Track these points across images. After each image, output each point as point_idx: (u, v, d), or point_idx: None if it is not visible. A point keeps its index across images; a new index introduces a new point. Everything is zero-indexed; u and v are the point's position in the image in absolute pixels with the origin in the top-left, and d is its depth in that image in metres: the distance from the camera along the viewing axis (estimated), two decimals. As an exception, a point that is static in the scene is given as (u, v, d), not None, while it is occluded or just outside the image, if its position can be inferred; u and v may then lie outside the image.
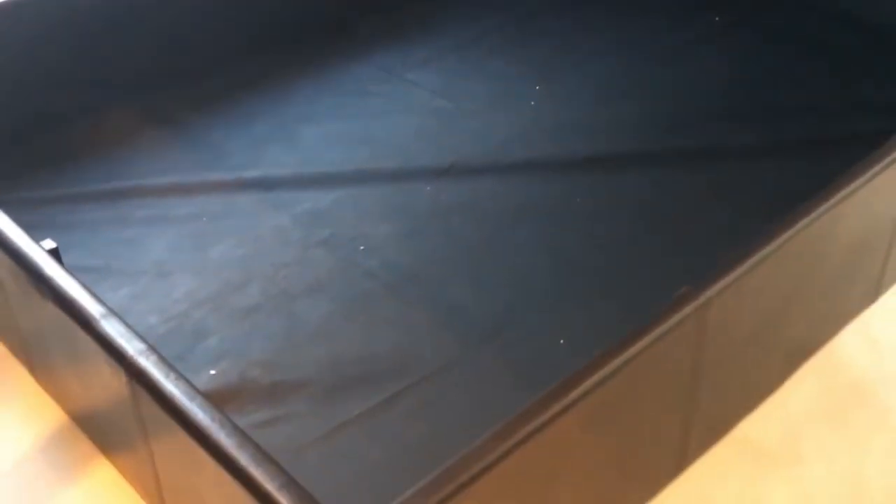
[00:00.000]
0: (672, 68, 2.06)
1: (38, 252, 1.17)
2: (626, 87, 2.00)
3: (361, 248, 1.57)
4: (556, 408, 0.94)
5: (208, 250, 1.59)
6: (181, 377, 0.97)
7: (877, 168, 1.29)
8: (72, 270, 1.15)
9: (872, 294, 1.49)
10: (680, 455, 1.23)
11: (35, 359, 1.36)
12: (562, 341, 1.36)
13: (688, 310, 1.05)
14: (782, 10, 2.24)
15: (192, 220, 1.67)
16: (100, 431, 1.26)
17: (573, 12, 2.30)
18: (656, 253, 1.54)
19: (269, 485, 0.85)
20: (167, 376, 0.98)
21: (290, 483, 0.85)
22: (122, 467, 1.24)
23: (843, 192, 1.23)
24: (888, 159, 1.30)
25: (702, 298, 1.07)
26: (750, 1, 2.28)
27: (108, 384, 1.07)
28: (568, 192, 1.70)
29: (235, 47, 2.09)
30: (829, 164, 1.42)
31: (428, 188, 1.72)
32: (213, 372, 1.34)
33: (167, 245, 1.61)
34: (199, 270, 1.55)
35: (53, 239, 1.24)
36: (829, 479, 1.22)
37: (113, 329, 1.04)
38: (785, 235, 1.16)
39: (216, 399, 1.20)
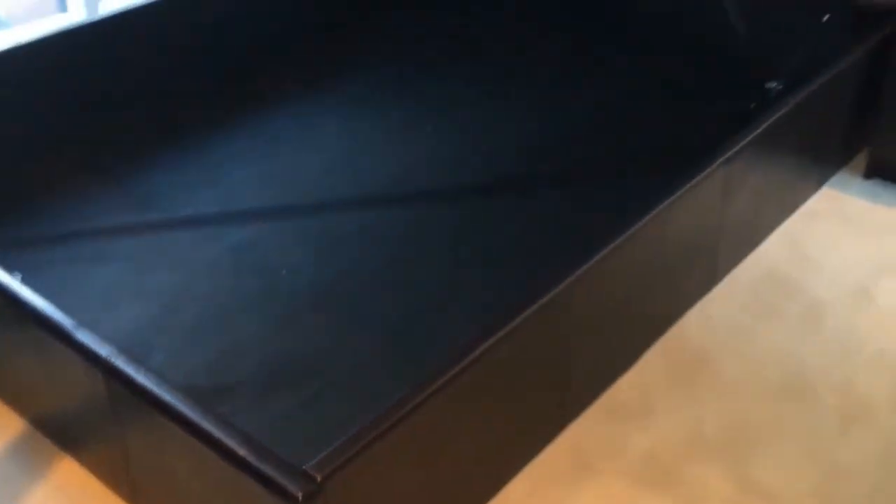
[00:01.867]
0: (540, 105, 2.37)
1: (9, 279, 1.39)
2: (502, 123, 2.30)
3: (284, 272, 1.82)
4: (447, 377, 1.21)
5: (148, 282, 1.81)
6: (150, 370, 1.21)
7: (700, 177, 1.63)
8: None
9: (709, 282, 1.82)
10: (559, 418, 1.52)
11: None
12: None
13: (557, 291, 1.35)
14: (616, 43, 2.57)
15: (130, 257, 1.88)
16: (65, 432, 1.47)
17: (462, 62, 2.60)
18: (519, 263, 1.82)
19: (232, 442, 1.10)
20: (138, 371, 1.21)
21: (249, 439, 1.10)
22: (90, 462, 1.45)
23: (671, 199, 1.56)
24: (708, 170, 1.64)
25: (564, 285, 1.37)
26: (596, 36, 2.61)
27: (83, 385, 1.30)
28: (455, 217, 1.98)
29: (161, 100, 2.32)
30: (663, 176, 1.73)
31: (338, 217, 1.98)
32: (162, 381, 1.57)
33: (110, 280, 1.81)
34: (141, 299, 1.77)
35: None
36: (675, 426, 1.53)
37: (86, 337, 1.27)
38: (628, 233, 1.47)
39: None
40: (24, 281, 1.53)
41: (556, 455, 1.49)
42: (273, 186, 2.09)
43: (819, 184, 2.14)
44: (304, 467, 1.08)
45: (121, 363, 1.23)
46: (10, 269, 1.52)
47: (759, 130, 1.78)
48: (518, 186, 2.06)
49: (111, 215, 2.00)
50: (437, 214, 1.99)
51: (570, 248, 1.53)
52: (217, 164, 2.16)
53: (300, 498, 1.04)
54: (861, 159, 2.20)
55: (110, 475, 1.41)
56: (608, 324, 1.56)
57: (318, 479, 1.07)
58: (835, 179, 2.17)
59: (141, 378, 1.20)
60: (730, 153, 1.71)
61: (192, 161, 2.17)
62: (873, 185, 2.14)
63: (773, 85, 1.91)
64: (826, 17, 2.00)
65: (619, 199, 1.93)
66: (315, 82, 2.50)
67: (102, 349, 1.25)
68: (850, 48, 2.01)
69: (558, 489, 1.43)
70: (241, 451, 1.09)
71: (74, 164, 2.14)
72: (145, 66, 2.31)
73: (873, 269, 1.88)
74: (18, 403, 1.56)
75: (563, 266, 1.41)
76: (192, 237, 1.95)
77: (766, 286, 1.84)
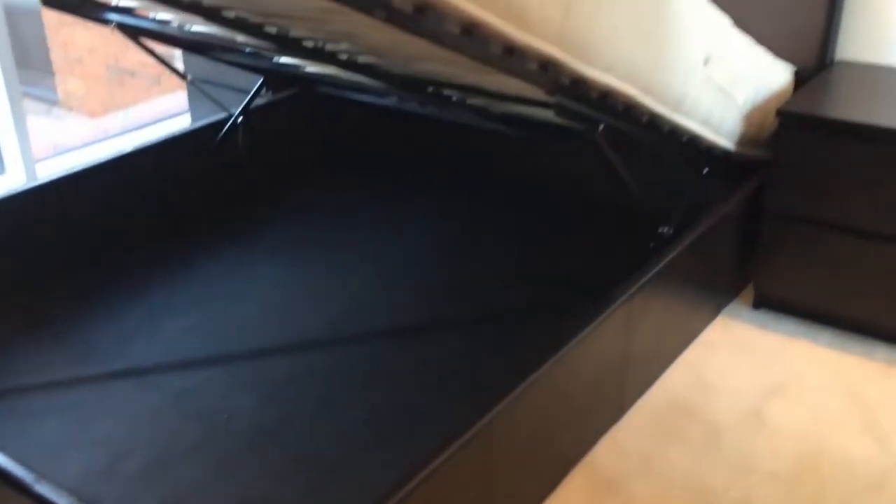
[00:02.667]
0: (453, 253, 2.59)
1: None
2: (421, 268, 2.49)
3: (226, 416, 1.93)
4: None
5: (92, 432, 1.89)
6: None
7: (603, 316, 1.82)
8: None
9: (618, 412, 2.00)
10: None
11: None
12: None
13: (479, 426, 1.49)
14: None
15: (72, 409, 1.97)
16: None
17: (381, 214, 2.82)
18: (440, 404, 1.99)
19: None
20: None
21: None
22: None
23: (579, 336, 1.74)
24: (611, 308, 1.84)
25: (487, 418, 1.52)
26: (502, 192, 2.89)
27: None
28: (383, 358, 2.12)
29: (99, 250, 2.45)
30: (570, 316, 1.93)
31: (275, 362, 2.11)
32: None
33: (54, 433, 1.89)
34: (86, 450, 1.85)
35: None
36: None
37: (46, 489, 1.36)
38: (540, 370, 1.64)
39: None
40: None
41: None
42: (210, 334, 2.21)
43: (714, 314, 2.37)
44: None
45: (80, 515, 1.32)
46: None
47: (656, 269, 1.99)
48: (440, 328, 2.23)
49: (51, 370, 2.09)
50: (368, 356, 2.14)
51: (486, 389, 1.69)
52: (154, 314, 2.28)
53: None
54: (749, 291, 2.45)
55: None
56: (526, 458, 1.70)
57: None
58: (728, 309, 2.41)
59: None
60: (631, 290, 1.91)
61: (129, 312, 2.28)
62: (761, 315, 2.38)
63: (665, 230, 2.15)
64: (706, 170, 2.27)
65: (531, 340, 2.13)
66: (246, 233, 2.67)
67: (66, 500, 1.34)
68: (730, 195, 2.28)
69: None
70: None
71: (12, 321, 2.23)
72: (83, 223, 2.45)
73: (764, 393, 2.09)
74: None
75: (481, 405, 1.56)
76: (133, 387, 2.04)
77: (670, 412, 2.02)
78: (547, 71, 1.63)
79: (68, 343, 2.20)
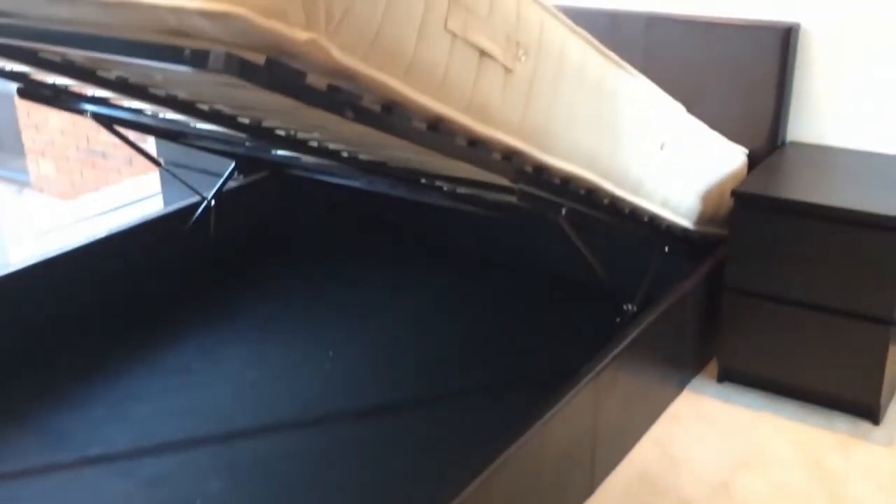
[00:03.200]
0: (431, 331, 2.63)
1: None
2: (395, 347, 2.53)
3: (198, 502, 1.93)
4: None
5: (63, 520, 1.89)
6: None
7: (572, 393, 1.86)
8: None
9: (588, 489, 2.02)
10: None
11: None
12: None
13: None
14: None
15: (43, 497, 1.96)
16: None
17: (351, 293, 2.86)
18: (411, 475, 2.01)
19: None
20: None
21: None
22: None
23: (545, 417, 1.78)
24: (577, 388, 1.88)
25: (457, 501, 1.54)
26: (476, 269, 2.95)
27: None
28: (358, 439, 2.15)
29: (69, 334, 2.45)
30: (539, 394, 1.97)
31: (250, 444, 2.12)
32: None
33: (24, 520, 1.89)
34: (57, 538, 1.84)
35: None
36: None
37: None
38: (509, 450, 1.68)
39: None
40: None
41: None
42: (182, 418, 2.22)
43: (679, 388, 2.42)
44: None
45: None
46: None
47: (622, 345, 2.05)
48: (408, 408, 2.27)
49: (21, 457, 2.08)
50: (337, 437, 2.15)
51: (455, 469, 1.72)
52: (125, 398, 2.29)
53: None
54: (713, 365, 2.50)
55: None
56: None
57: None
58: (693, 384, 2.46)
59: None
60: (599, 367, 1.96)
61: (101, 397, 2.29)
62: (725, 388, 2.43)
63: (629, 307, 2.21)
64: (667, 249, 2.34)
65: (499, 418, 2.16)
66: (216, 315, 2.70)
67: None
68: (691, 272, 2.36)
69: None
70: None
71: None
72: (52, 309, 2.46)
73: (730, 466, 2.13)
74: None
75: (451, 488, 1.58)
76: (105, 473, 2.04)
77: (638, 488, 2.05)
78: (510, 160, 1.71)
79: (39, 429, 2.19)
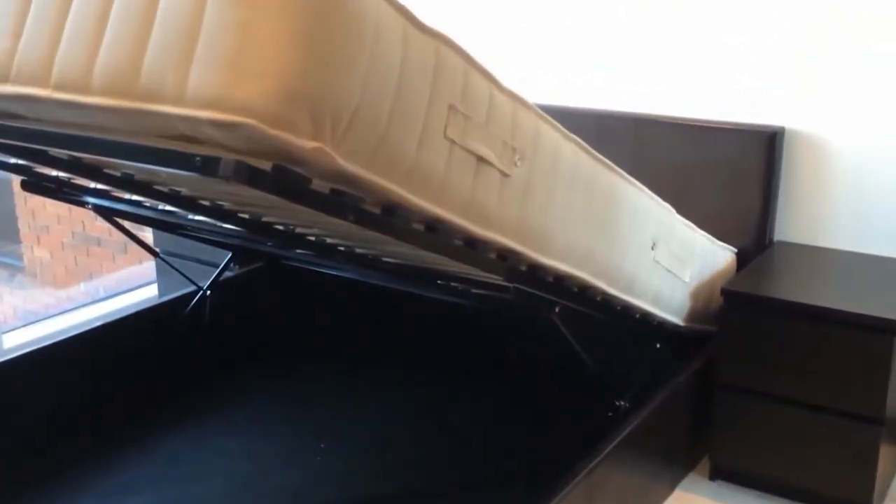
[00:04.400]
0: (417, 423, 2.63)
1: None
2: (383, 440, 2.52)
3: None
4: None
5: None
6: None
7: (565, 491, 1.86)
8: None
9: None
10: None
11: None
12: None
13: None
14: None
15: None
16: None
17: (344, 385, 2.86)
18: None
19: None
20: None
21: None
22: None
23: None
24: (570, 486, 1.88)
25: None
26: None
27: None
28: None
29: (59, 426, 2.44)
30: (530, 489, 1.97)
31: (239, 542, 2.10)
32: None
33: None
34: None
35: None
36: None
37: None
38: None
39: None
40: None
41: None
42: (173, 513, 2.20)
43: (671, 488, 2.41)
44: None
45: None
46: None
47: (615, 442, 2.05)
48: (404, 501, 2.25)
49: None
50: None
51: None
52: (117, 489, 2.27)
53: None
54: (706, 463, 2.50)
55: None
56: None
57: None
58: (685, 483, 2.45)
59: None
60: (593, 464, 1.96)
61: (91, 487, 2.27)
62: (718, 487, 2.43)
63: (621, 403, 2.22)
64: (658, 345, 2.37)
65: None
66: (210, 407, 2.69)
67: None
68: (683, 367, 2.38)
69: None
70: None
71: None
72: (42, 400, 2.45)
73: (725, 567, 2.11)
74: None
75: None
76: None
77: (633, 589, 2.03)
78: (506, 260, 1.74)
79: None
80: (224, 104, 1.18)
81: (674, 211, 2.25)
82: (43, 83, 1.40)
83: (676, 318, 2.35)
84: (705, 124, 2.68)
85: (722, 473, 2.44)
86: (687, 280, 2.31)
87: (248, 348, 3.01)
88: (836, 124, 2.57)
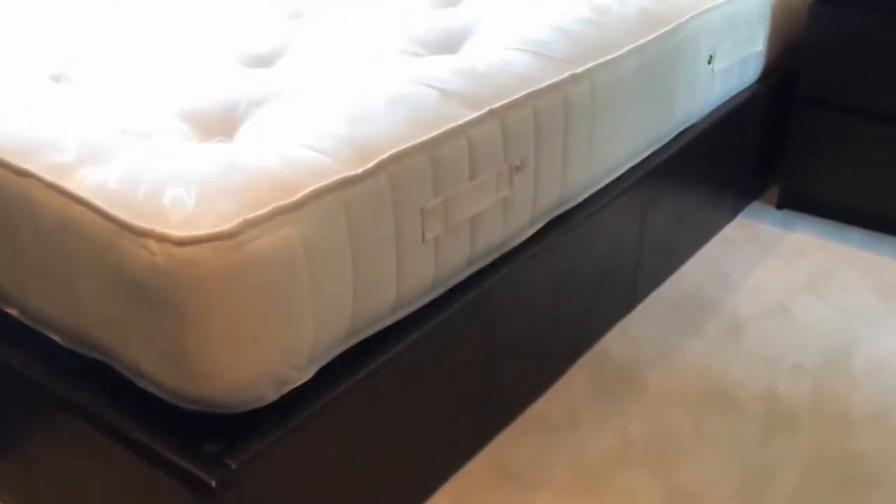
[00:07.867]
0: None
1: None
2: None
3: None
4: (366, 371, 1.18)
5: None
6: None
7: (617, 192, 1.65)
8: None
9: (630, 302, 1.83)
10: (483, 429, 1.49)
11: None
12: None
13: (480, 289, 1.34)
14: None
15: None
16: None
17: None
18: None
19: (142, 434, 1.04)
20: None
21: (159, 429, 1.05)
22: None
23: (591, 210, 1.57)
24: (624, 185, 1.67)
25: (483, 287, 1.35)
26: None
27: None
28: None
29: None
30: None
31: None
32: None
33: None
34: None
35: None
36: (601, 436, 1.51)
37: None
38: (546, 241, 1.48)
39: None
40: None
41: (481, 467, 1.45)
42: None
43: (734, 214, 2.20)
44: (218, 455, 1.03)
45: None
46: None
47: (671, 152, 1.82)
48: None
49: None
50: None
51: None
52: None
53: (214, 486, 0.99)
54: (772, 192, 2.27)
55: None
56: (529, 336, 1.54)
57: (233, 466, 1.02)
58: (748, 210, 2.24)
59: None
60: (645, 171, 1.74)
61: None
62: (785, 215, 2.21)
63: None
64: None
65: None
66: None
67: None
68: (758, 79, 2.10)
69: (483, 499, 1.40)
70: (150, 441, 1.03)
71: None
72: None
73: (790, 289, 1.92)
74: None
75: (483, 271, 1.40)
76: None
77: (686, 305, 1.86)
78: None
79: None
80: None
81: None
82: None
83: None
84: None
85: (791, 201, 2.21)
86: (760, 48, 2.02)
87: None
88: None
